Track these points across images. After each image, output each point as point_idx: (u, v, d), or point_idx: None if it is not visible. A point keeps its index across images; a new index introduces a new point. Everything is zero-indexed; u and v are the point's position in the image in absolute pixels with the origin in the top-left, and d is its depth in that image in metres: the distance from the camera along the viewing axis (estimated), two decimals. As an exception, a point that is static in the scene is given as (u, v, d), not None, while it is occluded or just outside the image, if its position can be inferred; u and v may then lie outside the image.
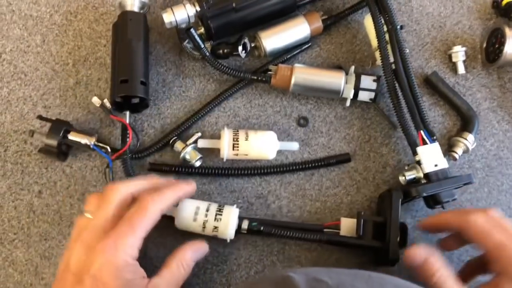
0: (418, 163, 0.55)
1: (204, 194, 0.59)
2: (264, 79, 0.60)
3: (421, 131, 0.56)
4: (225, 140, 0.56)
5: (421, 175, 0.55)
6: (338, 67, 0.63)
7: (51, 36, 0.63)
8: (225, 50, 0.60)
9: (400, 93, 0.58)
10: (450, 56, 0.64)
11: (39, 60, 0.62)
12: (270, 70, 0.61)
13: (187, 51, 0.61)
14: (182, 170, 0.58)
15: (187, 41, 0.60)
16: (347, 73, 0.60)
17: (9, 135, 0.60)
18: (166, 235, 0.57)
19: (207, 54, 0.59)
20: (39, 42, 0.63)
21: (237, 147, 0.56)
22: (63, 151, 0.57)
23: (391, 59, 0.58)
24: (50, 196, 0.58)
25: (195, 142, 0.58)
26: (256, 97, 0.62)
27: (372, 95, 0.59)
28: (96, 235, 0.45)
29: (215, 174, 0.59)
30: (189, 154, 0.57)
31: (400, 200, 0.53)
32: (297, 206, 0.59)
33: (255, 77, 0.60)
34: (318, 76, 0.59)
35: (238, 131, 0.57)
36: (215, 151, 0.59)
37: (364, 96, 0.59)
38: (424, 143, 0.55)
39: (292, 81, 0.58)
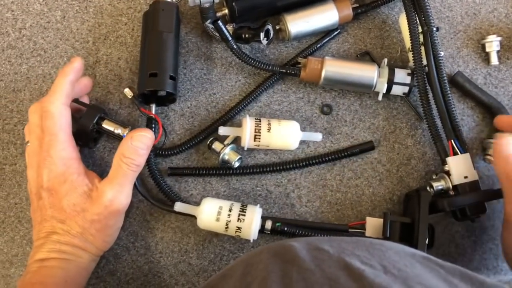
0: (447, 173, 0.53)
1: (223, 181, 0.58)
2: (293, 72, 0.58)
3: (452, 140, 0.53)
4: (247, 129, 0.55)
5: (450, 186, 0.53)
6: (366, 53, 0.61)
7: (71, 13, 0.62)
8: (247, 35, 0.58)
9: (431, 98, 0.55)
10: (483, 46, 0.61)
11: (59, 36, 0.61)
12: (299, 63, 0.59)
13: (209, 32, 0.59)
14: (202, 172, 0.57)
15: (209, 21, 0.58)
16: (377, 63, 0.58)
17: (28, 112, 0.59)
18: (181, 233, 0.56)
19: (235, 47, 0.57)
20: (59, 18, 0.61)
21: (259, 138, 0.55)
22: (94, 137, 0.56)
23: (424, 62, 0.55)
24: (68, 176, 0.58)
25: (233, 142, 0.57)
26: (279, 82, 0.61)
27: (406, 89, 0.57)
28: (37, 155, 0.49)
29: (238, 174, 0.58)
30: (228, 154, 0.56)
31: (429, 201, 0.51)
32: (317, 196, 0.58)
33: (284, 71, 0.58)
34: (350, 69, 0.56)
35: (260, 121, 0.56)
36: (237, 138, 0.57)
37: (397, 90, 0.57)
38: (455, 153, 0.53)
39: (323, 75, 0.56)
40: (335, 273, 0.36)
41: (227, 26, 0.57)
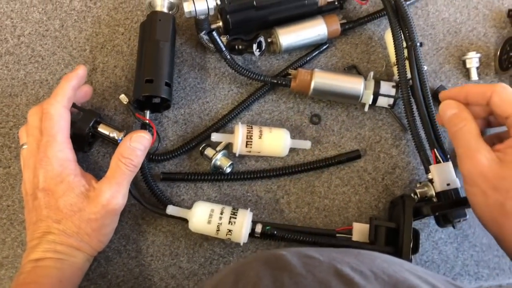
0: (431, 181, 0.55)
1: (214, 186, 0.59)
2: (284, 83, 0.60)
3: (435, 150, 0.55)
4: (239, 136, 0.57)
5: (433, 193, 0.54)
6: (353, 67, 0.64)
7: (69, 22, 0.64)
8: (240, 46, 0.60)
9: (415, 110, 0.58)
10: (464, 62, 0.65)
11: (57, 44, 0.63)
12: (290, 74, 0.61)
13: (203, 43, 0.61)
14: (194, 177, 0.59)
15: (203, 32, 0.60)
16: (363, 76, 0.61)
17: (23, 117, 0.60)
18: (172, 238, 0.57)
19: (228, 57, 0.59)
20: (58, 26, 0.63)
21: (250, 144, 0.57)
22: (89, 141, 0.57)
23: (409, 76, 0.58)
24: (61, 180, 0.59)
25: (225, 148, 0.59)
26: (270, 93, 0.63)
27: (391, 101, 0.59)
28: (34, 156, 0.50)
29: (229, 179, 0.59)
30: (220, 160, 0.57)
31: (413, 206, 0.53)
32: (305, 202, 0.60)
33: (276, 81, 0.60)
34: (338, 81, 0.59)
35: (252, 128, 0.58)
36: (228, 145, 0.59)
37: (383, 102, 0.60)
38: (438, 161, 0.55)
39: (312, 86, 0.59)
40: (326, 277, 0.37)
41: (221, 38, 0.59)
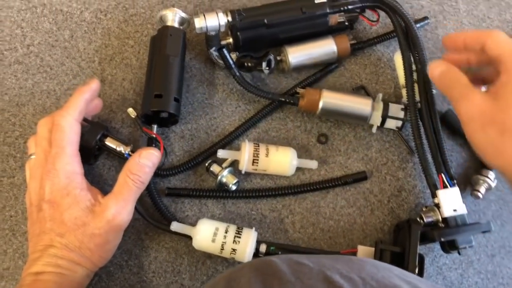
0: (437, 206, 0.55)
1: (219, 203, 0.59)
2: (292, 101, 0.60)
3: (442, 174, 0.55)
4: (246, 153, 0.56)
5: (439, 218, 0.54)
6: (361, 87, 0.64)
7: (79, 33, 0.64)
8: (249, 64, 0.60)
9: (423, 133, 0.58)
10: (472, 87, 0.65)
11: (66, 55, 0.63)
12: (298, 93, 0.61)
13: (213, 59, 0.61)
14: (199, 194, 0.58)
15: (213, 48, 0.60)
16: (371, 96, 0.61)
17: (30, 127, 0.60)
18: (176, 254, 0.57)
19: (237, 74, 0.59)
20: (67, 37, 0.63)
21: (257, 162, 0.57)
22: (95, 153, 0.56)
23: (417, 98, 0.58)
24: (65, 192, 0.58)
25: (232, 165, 0.58)
26: (278, 110, 0.63)
27: (399, 123, 0.59)
28: (42, 167, 0.50)
29: (234, 197, 0.59)
30: (226, 177, 0.57)
31: (419, 232, 0.53)
32: (310, 222, 0.59)
33: (284, 99, 0.60)
34: (346, 101, 0.59)
35: (258, 146, 0.57)
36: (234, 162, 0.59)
37: (391, 124, 0.59)
38: (445, 186, 0.55)
39: (320, 105, 0.58)
40: (315, 284, 0.37)
41: (231, 54, 0.59)
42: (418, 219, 0.55)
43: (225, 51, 0.58)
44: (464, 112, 0.48)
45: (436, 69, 0.52)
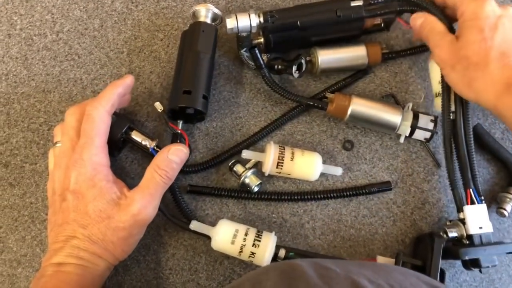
0: (462, 221, 0.54)
1: (240, 204, 0.58)
2: (320, 106, 0.59)
3: (471, 190, 0.54)
4: (271, 156, 0.55)
5: (464, 234, 0.53)
6: (391, 95, 0.63)
7: (109, 22, 0.63)
8: (280, 66, 0.60)
9: (454, 146, 0.56)
10: (504, 102, 0.64)
11: (95, 44, 0.62)
12: (326, 97, 0.60)
13: (243, 60, 0.60)
14: (221, 193, 0.58)
15: (244, 49, 0.59)
16: (400, 105, 0.59)
17: (54, 114, 0.60)
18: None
19: (267, 74, 0.58)
20: (97, 26, 0.63)
21: (281, 165, 0.56)
22: (119, 146, 0.56)
23: (452, 108, 0.56)
24: (86, 182, 0.58)
25: (255, 166, 0.58)
26: (304, 114, 0.62)
27: (427, 134, 0.58)
28: (67, 156, 0.50)
29: (256, 199, 0.58)
30: (249, 178, 0.56)
31: (442, 246, 0.52)
32: (331, 229, 0.58)
33: (312, 103, 0.59)
34: (376, 109, 0.58)
35: (284, 148, 0.56)
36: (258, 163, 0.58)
37: (419, 135, 0.58)
38: (472, 202, 0.54)
39: (349, 112, 0.57)
40: None
41: (261, 55, 0.59)
42: (442, 233, 0.54)
43: (257, 51, 0.57)
44: (437, 57, 0.53)
45: (416, 20, 0.55)
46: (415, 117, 0.58)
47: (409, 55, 0.64)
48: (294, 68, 0.59)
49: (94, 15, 0.63)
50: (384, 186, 0.59)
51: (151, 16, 0.64)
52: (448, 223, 0.56)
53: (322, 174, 0.59)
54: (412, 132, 0.59)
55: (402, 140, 0.60)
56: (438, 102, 0.58)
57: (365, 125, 0.61)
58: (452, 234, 0.54)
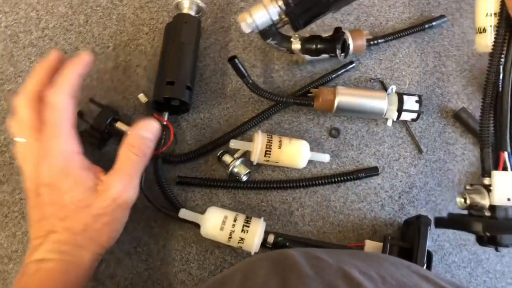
0: (486, 188, 0.46)
1: (229, 193, 0.59)
2: (307, 103, 0.59)
3: (506, 152, 0.46)
4: (258, 144, 0.56)
5: (486, 203, 0.45)
6: (379, 81, 0.64)
7: (94, 18, 0.63)
8: (319, 46, 0.54)
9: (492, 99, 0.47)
10: (487, 86, 0.64)
11: (80, 39, 0.62)
12: (311, 92, 0.61)
13: (273, 47, 0.56)
14: (210, 183, 0.58)
15: (270, 38, 0.54)
16: (385, 90, 0.60)
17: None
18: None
19: (250, 82, 0.58)
20: (82, 22, 0.63)
21: (269, 154, 0.56)
22: (104, 137, 0.56)
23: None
24: (76, 176, 0.58)
25: (244, 155, 0.58)
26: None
27: (414, 115, 0.59)
28: (34, 150, 0.46)
29: (245, 188, 0.59)
30: (238, 168, 0.57)
31: (429, 228, 0.53)
32: (320, 216, 0.59)
33: (298, 102, 0.59)
34: (362, 98, 0.58)
35: (272, 137, 0.57)
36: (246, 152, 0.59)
37: (406, 116, 0.59)
38: (504, 168, 0.46)
39: (336, 105, 0.58)
40: (334, 281, 0.37)
41: (293, 38, 0.54)
42: (461, 198, 0.47)
43: (236, 62, 0.56)
44: None
45: None
46: (400, 100, 0.59)
47: (395, 39, 0.65)
48: (338, 50, 0.53)
49: (79, 10, 0.63)
50: (372, 172, 0.60)
51: (136, 10, 0.64)
52: (468, 187, 0.48)
53: (310, 162, 0.60)
54: (399, 115, 0.59)
55: (390, 123, 0.60)
56: (480, 40, 0.49)
57: (354, 114, 0.61)
58: (474, 201, 0.46)
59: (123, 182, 0.47)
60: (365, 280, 0.37)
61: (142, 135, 0.49)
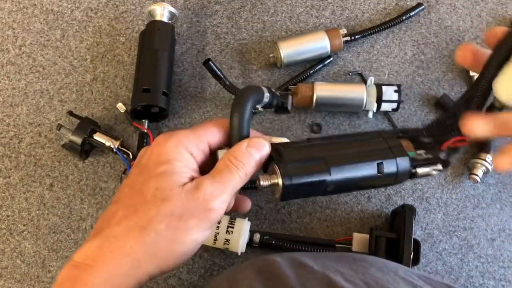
0: None
1: (214, 196, 0.59)
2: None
3: None
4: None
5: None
6: (358, 74, 0.64)
7: (71, 32, 0.64)
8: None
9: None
10: (467, 71, 0.64)
11: (58, 54, 0.63)
12: (290, 90, 0.61)
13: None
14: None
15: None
16: (365, 83, 0.60)
17: (24, 127, 0.60)
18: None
19: (227, 83, 0.58)
20: (59, 36, 0.63)
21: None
22: (85, 149, 0.57)
23: None
24: (61, 190, 0.58)
25: None
26: (271, 102, 0.62)
27: (394, 105, 0.59)
28: None
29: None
30: None
31: (414, 216, 0.52)
32: (307, 212, 0.59)
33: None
34: (340, 92, 0.59)
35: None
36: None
37: (386, 106, 0.59)
38: None
39: (314, 100, 0.58)
40: None
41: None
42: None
43: (212, 64, 0.57)
44: None
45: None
46: (379, 91, 0.59)
47: (371, 35, 0.65)
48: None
49: (55, 26, 0.64)
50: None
51: (111, 21, 0.64)
52: None
53: (293, 159, 0.59)
54: (378, 106, 0.59)
55: (370, 115, 0.60)
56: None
57: (334, 109, 0.61)
58: None
59: (214, 188, 0.38)
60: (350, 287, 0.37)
61: (247, 151, 0.41)
